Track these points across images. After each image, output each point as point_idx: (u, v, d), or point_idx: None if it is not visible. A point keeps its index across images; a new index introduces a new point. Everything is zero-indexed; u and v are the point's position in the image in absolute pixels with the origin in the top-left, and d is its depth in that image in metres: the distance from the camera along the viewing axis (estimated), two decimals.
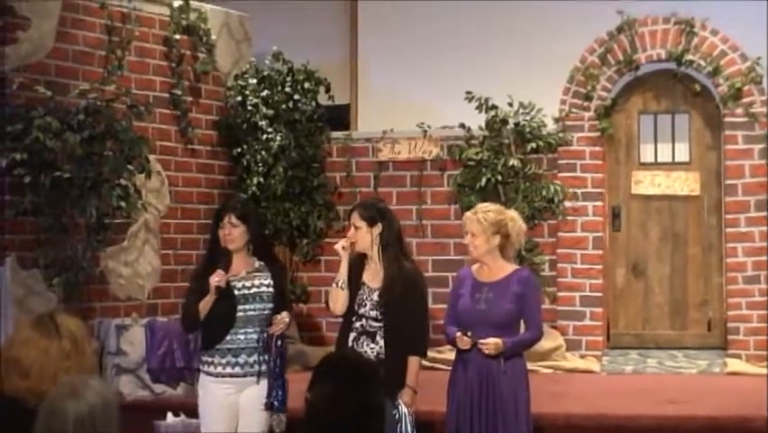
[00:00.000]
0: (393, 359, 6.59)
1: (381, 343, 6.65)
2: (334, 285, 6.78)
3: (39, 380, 4.34)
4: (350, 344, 6.68)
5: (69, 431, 3.53)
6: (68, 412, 3.54)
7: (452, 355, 6.98)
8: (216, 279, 6.62)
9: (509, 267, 6.81)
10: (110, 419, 3.60)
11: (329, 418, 3.54)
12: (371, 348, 6.65)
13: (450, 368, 6.89)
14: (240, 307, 6.71)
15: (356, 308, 6.72)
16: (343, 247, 6.76)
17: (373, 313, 6.68)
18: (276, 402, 6.65)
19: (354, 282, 6.77)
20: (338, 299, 6.77)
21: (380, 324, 6.67)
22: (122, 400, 6.70)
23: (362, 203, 7.11)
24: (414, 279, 6.81)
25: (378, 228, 6.74)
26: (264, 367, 6.69)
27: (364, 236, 6.74)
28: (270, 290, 6.79)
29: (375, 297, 6.71)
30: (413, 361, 6.68)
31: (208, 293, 6.65)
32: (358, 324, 6.72)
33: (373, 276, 6.77)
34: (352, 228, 6.78)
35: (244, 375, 6.70)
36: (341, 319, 6.91)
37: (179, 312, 7.47)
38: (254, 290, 6.76)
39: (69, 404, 3.55)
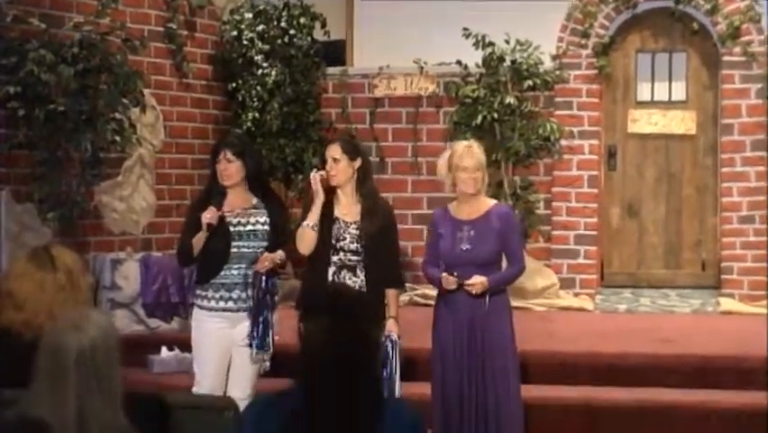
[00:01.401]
0: (375, 292, 6.59)
1: (362, 276, 6.65)
2: (305, 225, 6.68)
3: (34, 312, 4.36)
4: (330, 277, 6.64)
5: (71, 365, 3.54)
6: (70, 346, 3.55)
7: (435, 292, 6.97)
8: (208, 216, 6.60)
9: (488, 202, 6.79)
10: (111, 351, 3.61)
11: (323, 350, 3.54)
12: (353, 281, 6.63)
13: (432, 304, 6.90)
14: (234, 243, 6.69)
15: (333, 242, 6.68)
16: (321, 176, 6.68)
17: (353, 246, 6.65)
18: (254, 341, 6.62)
19: (326, 217, 6.70)
20: (308, 240, 6.68)
21: (359, 257, 6.66)
22: None
23: (341, 138, 7.07)
24: (389, 212, 6.85)
25: (357, 162, 6.73)
26: None
27: (345, 169, 6.69)
28: (266, 227, 6.76)
29: (353, 230, 6.67)
30: (393, 293, 6.71)
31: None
32: (335, 258, 6.67)
33: (347, 210, 6.73)
34: (330, 161, 6.72)
35: (237, 310, 6.68)
36: None
37: (174, 247, 7.46)
38: (249, 227, 6.74)
39: (71, 338, 3.56)
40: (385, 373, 6.50)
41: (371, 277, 6.64)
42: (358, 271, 6.66)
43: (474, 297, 6.54)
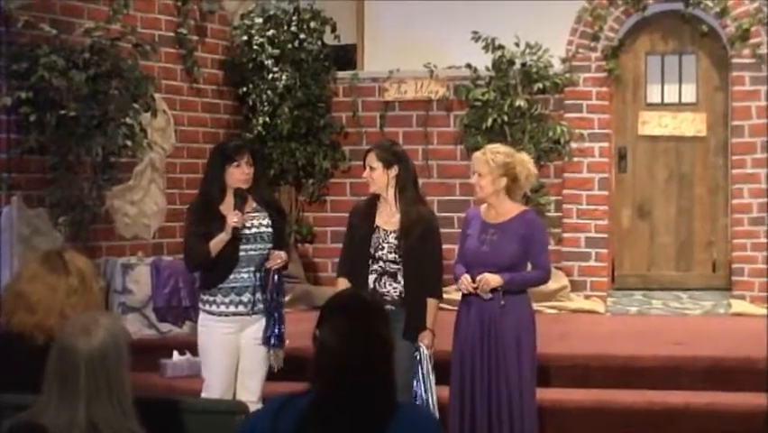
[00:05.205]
0: (413, 302, 6.61)
1: (403, 282, 6.66)
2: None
3: (45, 315, 4.37)
4: (371, 285, 6.66)
5: (81, 369, 3.55)
6: (80, 350, 3.55)
7: (458, 296, 7.00)
8: (235, 219, 6.59)
9: (516, 208, 6.78)
10: (121, 355, 3.62)
11: (339, 354, 3.54)
12: (394, 288, 6.65)
13: (456, 309, 6.90)
14: (242, 247, 6.68)
15: (372, 251, 6.68)
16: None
17: (391, 256, 6.65)
18: (273, 338, 6.66)
19: (367, 226, 6.73)
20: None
21: (399, 266, 6.67)
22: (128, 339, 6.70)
23: (379, 144, 7.02)
24: (431, 223, 6.78)
25: (394, 170, 6.70)
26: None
27: (380, 177, 6.69)
28: (270, 229, 6.77)
29: (392, 239, 6.68)
30: (431, 304, 6.68)
31: (211, 232, 6.63)
32: (376, 266, 6.68)
33: (388, 219, 6.73)
34: (368, 169, 6.74)
35: (248, 313, 6.69)
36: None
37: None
38: (254, 230, 6.74)
39: (81, 342, 3.56)
40: (416, 385, 6.52)
41: (410, 287, 6.64)
42: (399, 277, 6.67)
43: (486, 295, 6.55)
